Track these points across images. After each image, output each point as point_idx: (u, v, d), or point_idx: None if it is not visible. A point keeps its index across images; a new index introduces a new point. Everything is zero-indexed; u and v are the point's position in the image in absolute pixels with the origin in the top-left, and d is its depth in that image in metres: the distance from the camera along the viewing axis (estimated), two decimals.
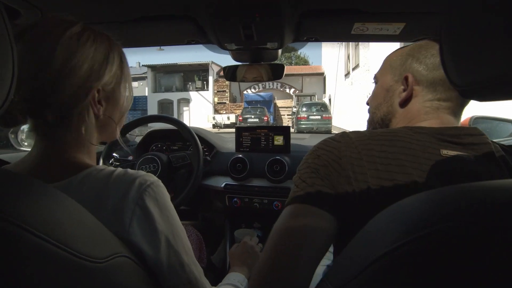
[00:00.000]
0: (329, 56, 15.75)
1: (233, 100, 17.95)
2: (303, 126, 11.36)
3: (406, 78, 0.57)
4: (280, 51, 1.06)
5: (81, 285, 0.35)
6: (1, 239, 0.30)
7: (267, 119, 13.41)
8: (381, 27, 0.86)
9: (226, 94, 17.25)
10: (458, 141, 0.49)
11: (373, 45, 8.33)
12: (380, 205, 0.36)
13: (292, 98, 16.50)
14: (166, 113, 17.22)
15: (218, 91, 17.30)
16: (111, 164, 1.23)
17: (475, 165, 0.47)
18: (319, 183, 0.48)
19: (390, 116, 0.60)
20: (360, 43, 8.98)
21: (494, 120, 1.53)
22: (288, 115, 16.56)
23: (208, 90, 17.42)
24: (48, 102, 0.45)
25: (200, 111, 16.87)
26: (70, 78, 0.45)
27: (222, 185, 1.30)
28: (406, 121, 0.57)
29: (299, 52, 25.23)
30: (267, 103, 15.95)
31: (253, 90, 17.40)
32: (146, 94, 17.85)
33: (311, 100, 14.34)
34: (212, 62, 16.91)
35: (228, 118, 14.85)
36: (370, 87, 0.68)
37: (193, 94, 17.53)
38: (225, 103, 17.27)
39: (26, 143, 1.10)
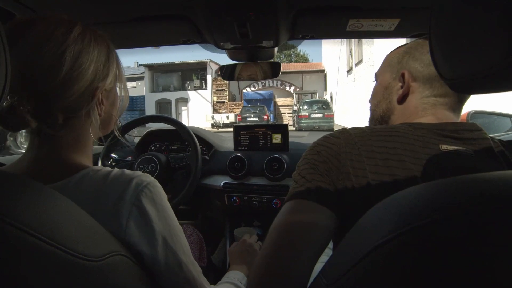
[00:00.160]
0: (329, 52, 15.66)
1: (232, 99, 17.92)
2: (305, 124, 11.28)
3: (403, 75, 0.58)
4: (276, 49, 1.08)
5: (77, 284, 0.36)
6: None
7: (267, 117, 13.32)
8: (376, 23, 0.87)
9: (225, 93, 17.21)
10: (458, 136, 0.50)
11: (378, 40, 8.19)
12: (379, 200, 0.36)
13: (292, 96, 16.47)
14: (164, 113, 17.19)
15: (216, 90, 17.26)
16: (110, 164, 1.25)
17: (475, 160, 0.48)
18: (318, 179, 0.49)
19: (389, 113, 0.62)
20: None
21: (492, 115, 1.54)
22: (288, 113, 16.53)
23: (206, 89, 17.41)
24: (58, 105, 0.46)
25: (199, 111, 16.86)
26: (79, 81, 0.47)
27: (221, 184, 1.32)
28: (404, 118, 0.58)
29: (298, 50, 25.24)
30: (267, 101, 15.89)
31: (252, 88, 17.35)
32: (144, 94, 17.88)
33: (312, 97, 14.24)
34: (211, 61, 16.90)
35: (227, 117, 14.80)
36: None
37: (191, 93, 17.51)
38: (224, 102, 17.23)
39: (25, 146, 1.12)
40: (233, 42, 0.98)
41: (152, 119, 1.32)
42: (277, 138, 1.38)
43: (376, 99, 0.65)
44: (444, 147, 0.49)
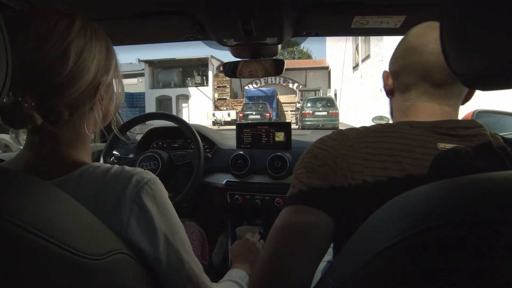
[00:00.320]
0: (334, 49, 15.54)
1: (234, 96, 17.89)
2: (308, 122, 11.13)
3: (384, 74, 0.62)
4: (279, 46, 1.08)
5: (78, 282, 0.36)
6: None
7: (270, 115, 13.20)
8: (381, 20, 0.87)
9: (227, 90, 17.18)
10: (455, 134, 0.50)
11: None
12: (378, 202, 0.37)
13: (295, 93, 16.39)
14: (164, 110, 17.20)
15: (218, 87, 17.22)
16: (112, 162, 1.27)
17: (473, 157, 0.48)
18: (316, 183, 0.49)
19: (392, 110, 0.64)
20: None
21: (498, 114, 1.54)
22: (291, 111, 16.48)
23: (207, 85, 17.37)
24: (63, 101, 0.46)
25: (200, 108, 16.82)
26: (83, 76, 0.47)
27: (223, 182, 1.34)
28: (399, 116, 0.59)
29: (301, 47, 25.16)
30: (270, 98, 15.82)
31: (254, 85, 17.30)
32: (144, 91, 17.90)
33: (315, 95, 14.11)
34: (212, 57, 16.85)
35: (229, 114, 14.74)
36: None
37: (192, 90, 17.48)
38: (225, 99, 17.19)
39: None
40: (237, 39, 0.98)
41: (155, 116, 1.34)
42: (280, 136, 1.39)
43: None
44: (441, 145, 0.49)
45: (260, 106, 13.74)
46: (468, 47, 0.28)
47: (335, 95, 15.03)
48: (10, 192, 0.33)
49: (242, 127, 1.44)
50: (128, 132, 1.48)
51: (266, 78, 15.59)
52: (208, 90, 17.36)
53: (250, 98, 15.95)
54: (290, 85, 17.42)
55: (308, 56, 26.03)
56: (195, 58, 17.09)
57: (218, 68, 17.51)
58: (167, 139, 1.57)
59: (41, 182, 0.38)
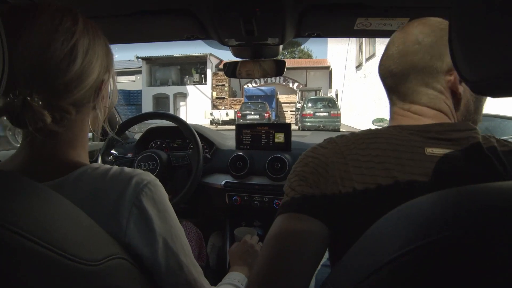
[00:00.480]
0: (336, 48, 15.56)
1: (233, 95, 17.87)
2: (309, 123, 11.04)
3: None
4: (281, 47, 1.10)
5: None
6: None
7: (269, 115, 13.09)
8: (384, 23, 0.89)
9: (226, 89, 17.16)
10: (444, 138, 0.50)
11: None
12: (368, 210, 0.39)
13: (295, 93, 16.37)
14: (162, 108, 17.19)
15: (216, 85, 17.20)
16: (110, 160, 1.27)
17: (461, 162, 0.48)
18: (308, 191, 0.50)
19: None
20: None
21: (498, 118, 1.55)
22: (291, 111, 16.47)
23: (206, 84, 17.35)
24: (69, 100, 0.46)
25: (198, 107, 16.80)
26: (90, 74, 0.47)
27: (222, 183, 1.35)
28: (394, 120, 0.59)
29: (302, 46, 25.18)
30: (269, 98, 15.78)
31: (254, 84, 17.28)
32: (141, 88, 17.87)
33: (316, 95, 14.05)
34: (211, 54, 16.82)
35: (227, 114, 14.70)
36: None
37: (190, 88, 17.47)
38: (224, 98, 17.17)
39: None
40: (238, 39, 0.99)
41: (154, 115, 1.35)
42: (279, 138, 1.41)
43: None
44: (429, 150, 0.49)
45: (259, 106, 13.60)
46: (479, 53, 0.27)
47: (336, 95, 15.02)
48: (4, 195, 0.33)
49: (241, 128, 1.45)
50: (126, 131, 1.49)
51: None
52: (206, 88, 17.34)
53: (249, 97, 15.89)
54: (290, 85, 17.42)
55: (309, 56, 26.10)
56: (193, 56, 17.08)
57: (217, 66, 17.48)
58: (166, 139, 1.58)
59: (38, 185, 0.37)
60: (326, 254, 0.63)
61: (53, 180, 0.45)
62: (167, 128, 1.56)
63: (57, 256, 0.33)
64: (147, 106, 17.39)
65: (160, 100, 17.67)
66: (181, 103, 17.78)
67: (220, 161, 1.41)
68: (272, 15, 0.84)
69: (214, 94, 17.27)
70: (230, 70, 1.23)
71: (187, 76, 17.80)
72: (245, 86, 17.34)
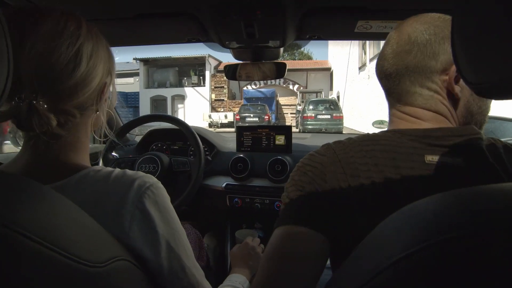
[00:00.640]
0: (337, 49, 15.55)
1: (232, 97, 17.87)
2: (310, 126, 10.88)
3: None
4: (282, 49, 1.12)
5: None
6: None
7: (269, 118, 12.91)
8: (385, 25, 0.91)
9: (225, 91, 17.15)
10: (445, 144, 0.48)
11: None
12: (367, 220, 0.38)
13: (296, 95, 16.37)
14: (159, 110, 17.15)
15: (215, 87, 17.18)
16: (112, 159, 1.29)
17: (463, 171, 0.46)
18: (307, 202, 0.50)
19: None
20: None
21: (498, 120, 1.57)
22: (291, 113, 16.45)
23: (204, 86, 17.34)
24: (73, 103, 0.47)
25: (196, 109, 16.77)
26: (94, 78, 0.49)
27: (223, 185, 1.37)
28: (394, 123, 0.57)
29: (302, 49, 25.27)
30: (269, 100, 15.69)
31: (253, 86, 17.24)
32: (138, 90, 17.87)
33: (317, 97, 13.96)
34: (209, 56, 16.83)
35: (226, 116, 14.65)
36: None
37: (188, 90, 17.45)
38: (223, 100, 17.15)
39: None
40: (239, 42, 1.02)
41: (156, 118, 1.37)
42: (280, 140, 1.43)
43: None
44: (429, 158, 0.47)
45: (259, 108, 13.47)
46: (482, 55, 0.27)
47: (338, 97, 14.96)
48: (10, 198, 0.33)
49: (242, 130, 1.48)
50: (127, 134, 1.51)
51: None
52: (205, 90, 17.32)
53: (249, 99, 15.80)
54: (291, 87, 17.40)
55: (309, 58, 26.22)
56: (192, 57, 17.07)
57: (215, 67, 17.49)
58: (167, 141, 1.61)
59: (42, 187, 0.38)
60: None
61: (56, 182, 0.46)
62: (168, 131, 1.58)
63: (61, 258, 0.33)
64: (145, 108, 17.38)
65: (158, 102, 17.64)
66: (179, 105, 17.76)
67: (221, 163, 1.43)
68: (273, 18, 0.86)
69: (213, 96, 17.23)
70: (230, 72, 1.26)
71: (185, 78, 17.77)
72: (245, 88, 17.30)
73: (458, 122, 0.53)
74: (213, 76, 17.28)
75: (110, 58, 0.54)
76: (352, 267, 0.35)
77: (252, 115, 12.86)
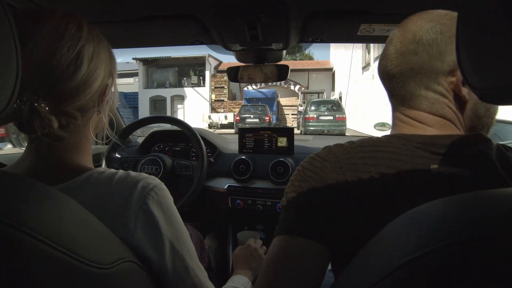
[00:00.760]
0: (339, 50, 15.51)
1: (232, 97, 17.86)
2: (312, 128, 10.71)
3: None
4: (284, 52, 1.14)
5: None
6: (2, 244, 0.30)
7: (269, 119, 12.84)
8: (388, 28, 0.92)
9: (225, 91, 17.12)
10: (452, 153, 0.46)
11: None
12: (369, 228, 0.38)
13: (297, 96, 16.34)
14: (158, 110, 17.16)
15: (215, 88, 17.15)
16: (115, 158, 1.31)
17: (472, 183, 0.45)
18: (306, 210, 0.49)
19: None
20: None
21: (500, 123, 1.57)
22: (292, 114, 16.43)
23: (204, 86, 17.32)
24: (74, 105, 0.48)
25: (196, 109, 16.75)
26: (96, 80, 0.50)
27: (225, 187, 1.40)
28: (398, 127, 0.56)
29: (303, 49, 25.26)
30: (270, 100, 15.61)
31: (254, 86, 17.15)
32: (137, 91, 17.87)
33: (319, 97, 13.90)
34: (209, 56, 16.81)
35: (226, 117, 14.62)
36: None
37: (188, 91, 17.43)
38: (223, 100, 17.12)
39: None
40: (242, 44, 1.04)
41: (159, 120, 1.39)
42: (282, 142, 1.45)
43: None
44: (435, 167, 0.45)
45: (259, 109, 13.34)
46: (487, 60, 0.27)
47: (340, 98, 14.87)
48: (16, 198, 0.34)
49: (244, 132, 1.50)
50: (130, 135, 1.53)
51: None
52: (204, 91, 17.30)
53: (249, 100, 15.68)
54: (292, 87, 17.37)
55: (310, 58, 26.25)
56: (191, 57, 17.02)
57: (215, 67, 17.48)
58: (169, 143, 1.63)
59: (49, 188, 0.39)
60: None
61: (59, 184, 0.47)
62: (170, 132, 1.60)
63: (69, 259, 0.34)
64: (144, 108, 17.38)
65: (157, 102, 17.62)
66: (179, 106, 17.75)
67: (223, 165, 1.45)
68: (277, 21, 0.88)
69: (213, 96, 17.20)
70: (232, 74, 1.28)
71: (185, 78, 17.74)
72: (245, 89, 17.26)
73: (465, 125, 0.51)
74: (213, 76, 17.26)
75: (112, 60, 0.55)
76: (358, 269, 0.36)
77: (252, 116, 12.78)
